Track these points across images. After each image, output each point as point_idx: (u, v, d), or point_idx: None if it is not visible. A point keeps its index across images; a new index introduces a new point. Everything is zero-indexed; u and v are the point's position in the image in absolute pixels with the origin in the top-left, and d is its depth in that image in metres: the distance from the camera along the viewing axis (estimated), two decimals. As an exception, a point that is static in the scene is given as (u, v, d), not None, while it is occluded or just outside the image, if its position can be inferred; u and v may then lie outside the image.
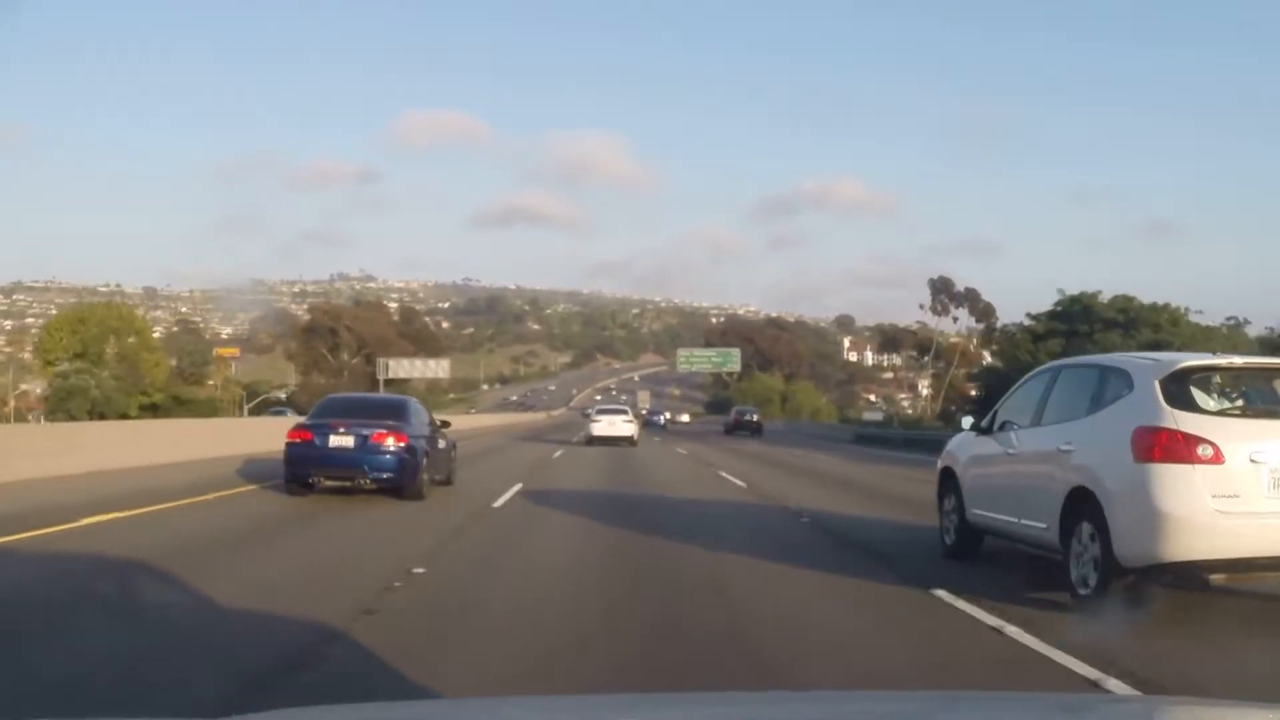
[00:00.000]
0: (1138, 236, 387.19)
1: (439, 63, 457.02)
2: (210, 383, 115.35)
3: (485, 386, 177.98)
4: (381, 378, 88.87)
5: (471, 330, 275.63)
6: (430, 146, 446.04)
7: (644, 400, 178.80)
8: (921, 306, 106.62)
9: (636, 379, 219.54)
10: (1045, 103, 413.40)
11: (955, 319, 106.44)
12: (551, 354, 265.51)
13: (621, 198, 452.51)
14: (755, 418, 61.20)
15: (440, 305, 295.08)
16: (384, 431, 14.12)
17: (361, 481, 14.11)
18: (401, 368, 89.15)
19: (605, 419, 36.49)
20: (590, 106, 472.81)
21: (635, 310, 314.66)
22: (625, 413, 38.12)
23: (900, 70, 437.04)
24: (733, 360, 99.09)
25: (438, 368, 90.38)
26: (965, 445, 9.99)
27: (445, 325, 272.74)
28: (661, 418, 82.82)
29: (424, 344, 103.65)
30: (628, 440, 35.39)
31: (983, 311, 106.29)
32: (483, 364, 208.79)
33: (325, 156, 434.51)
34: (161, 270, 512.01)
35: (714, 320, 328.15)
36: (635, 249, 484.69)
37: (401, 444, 14.13)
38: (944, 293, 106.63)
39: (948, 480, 10.22)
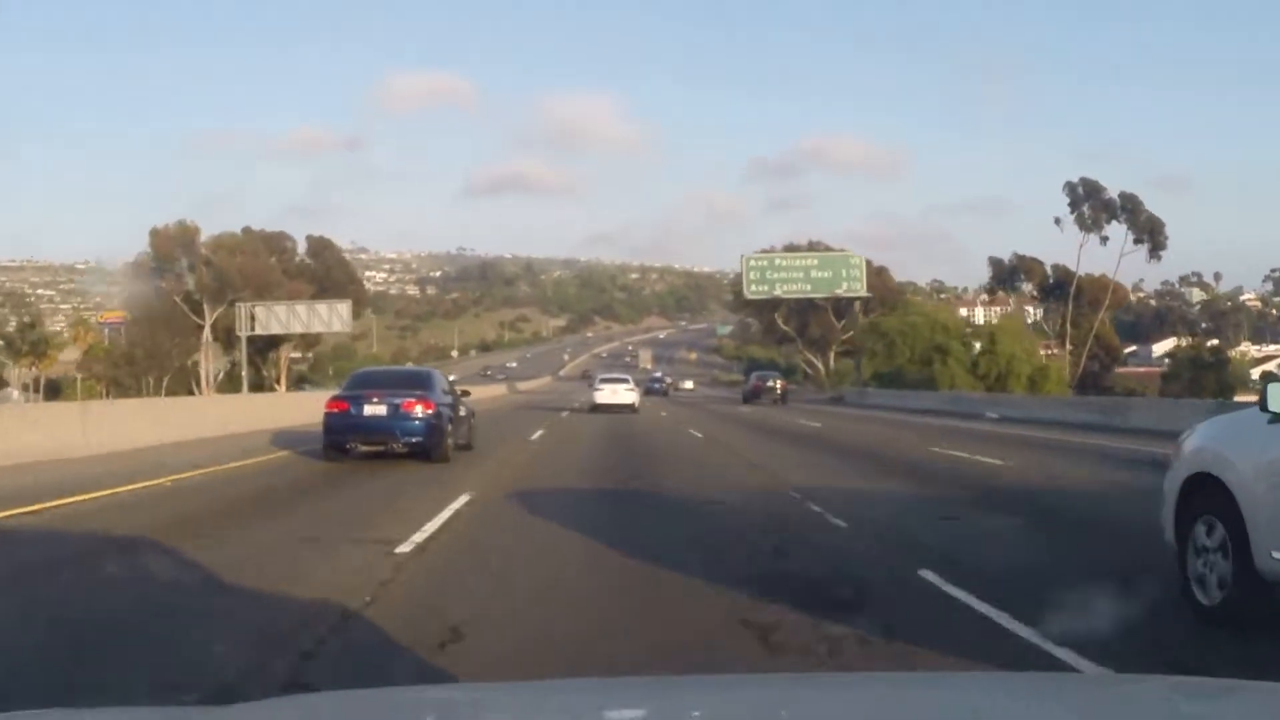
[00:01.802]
0: (1152, 192, 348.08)
1: (423, 22, 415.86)
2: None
3: (455, 354, 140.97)
4: (243, 333, 53.52)
5: (455, 295, 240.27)
6: (417, 112, 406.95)
7: (646, 360, 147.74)
8: (1058, 222, 70.71)
9: (641, 342, 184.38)
10: (1054, 60, 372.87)
11: (1106, 238, 70.46)
12: (544, 319, 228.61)
13: (618, 162, 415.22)
14: (777, 384, 52.57)
15: (432, 274, 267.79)
16: (413, 400, 14.56)
17: (394, 446, 14.51)
18: (275, 318, 53.75)
19: (608, 387, 36.88)
20: (584, 66, 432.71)
21: (635, 275, 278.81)
22: (627, 381, 38.52)
23: (902, 26, 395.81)
24: (853, 274, 56.70)
25: (331, 316, 54.81)
26: (1248, 440, 5.34)
27: (431, 291, 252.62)
28: (661, 384, 72.96)
29: (338, 287, 68.01)
30: (629, 408, 35.44)
31: (1146, 227, 70.41)
32: (458, 330, 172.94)
33: (310, 124, 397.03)
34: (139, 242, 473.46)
35: (724, 282, 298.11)
36: (633, 215, 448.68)
37: (429, 411, 14.58)
38: (1091, 199, 70.71)
39: (1202, 497, 5.58)
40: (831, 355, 73.20)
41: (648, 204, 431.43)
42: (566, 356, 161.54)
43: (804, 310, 70.07)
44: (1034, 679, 3.18)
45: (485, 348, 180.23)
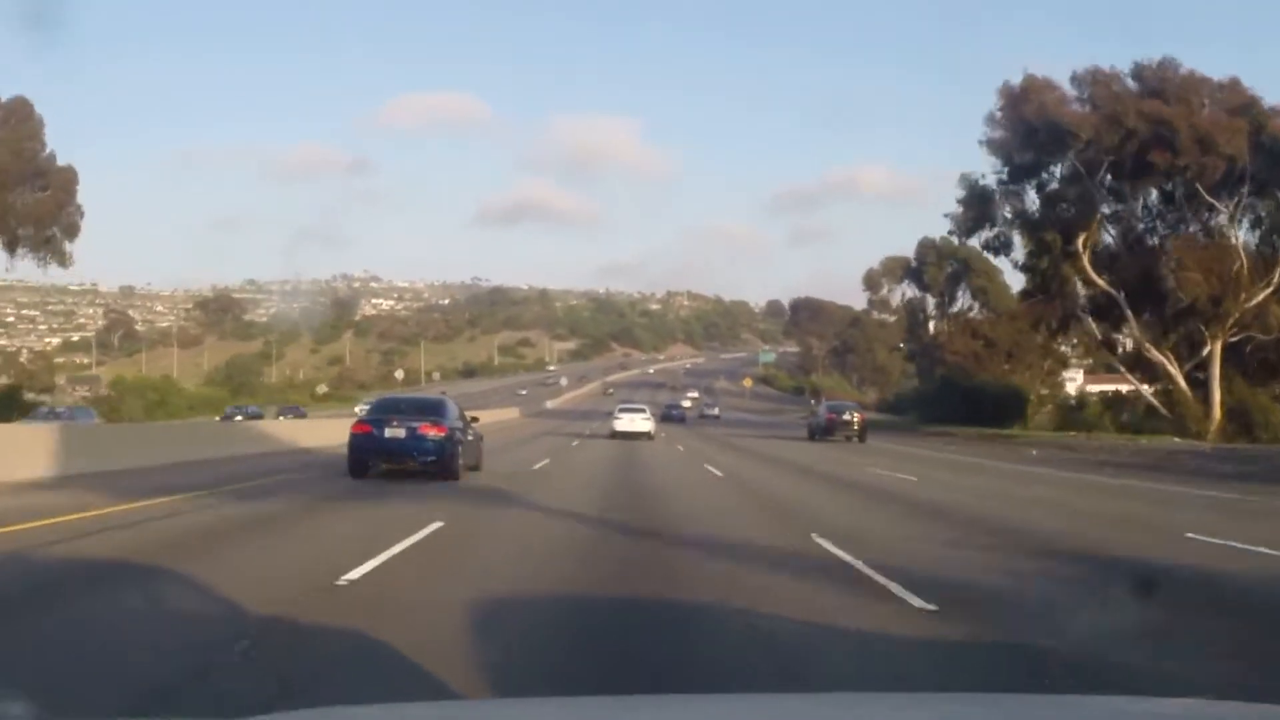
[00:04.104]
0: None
1: (438, 44, 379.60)
2: None
3: (398, 375, 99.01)
4: None
5: (447, 317, 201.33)
6: (429, 137, 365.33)
7: (669, 384, 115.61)
8: None
9: (671, 370, 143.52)
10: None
11: None
12: (550, 343, 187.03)
13: (638, 191, 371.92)
14: (854, 417, 38.64)
15: (441, 302, 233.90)
16: (428, 424, 15.66)
17: (411, 465, 15.65)
18: None
19: (626, 416, 37.92)
20: (605, 92, 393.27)
21: (656, 305, 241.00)
22: (644, 411, 39.39)
23: (923, 52, 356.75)
24: None
25: None
26: None
27: (435, 316, 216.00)
28: (679, 410, 62.04)
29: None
30: (646, 435, 36.17)
31: None
32: (424, 352, 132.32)
33: (316, 146, 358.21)
34: (154, 271, 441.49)
35: (755, 310, 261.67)
36: (653, 247, 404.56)
37: (442, 434, 15.63)
38: None
39: None
40: (1216, 349, 31.80)
41: (668, 235, 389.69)
42: (564, 382, 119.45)
43: (1143, 248, 29.10)
44: (1029, 701, 2.95)
45: (469, 373, 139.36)
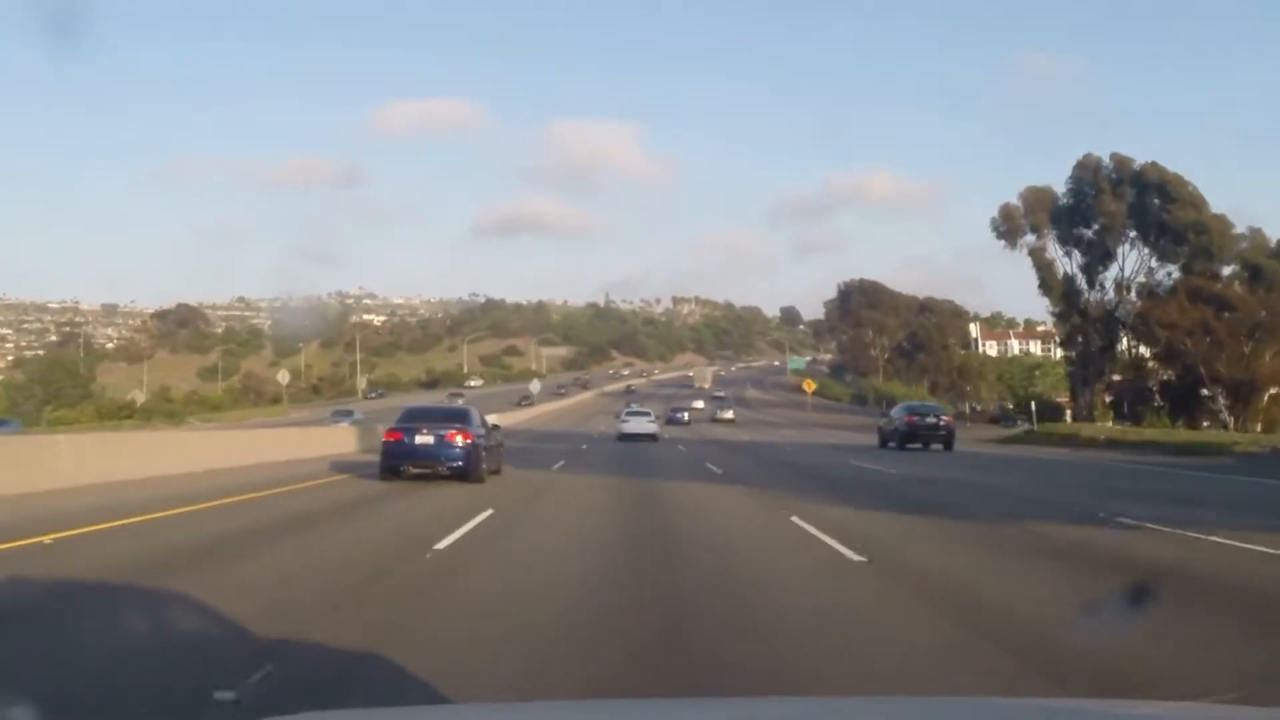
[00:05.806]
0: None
1: (432, 49, 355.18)
2: None
3: (282, 378, 71.25)
4: None
5: (425, 327, 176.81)
6: (427, 147, 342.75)
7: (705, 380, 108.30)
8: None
9: (687, 379, 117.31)
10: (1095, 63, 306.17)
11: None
12: (540, 349, 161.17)
13: (640, 204, 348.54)
14: (940, 420, 32.62)
15: (435, 316, 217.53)
16: (454, 431, 16.71)
17: (439, 469, 16.52)
18: None
19: (633, 420, 39.81)
20: (611, 99, 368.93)
21: (662, 316, 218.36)
22: (649, 414, 41.89)
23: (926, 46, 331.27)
24: None
25: None
26: None
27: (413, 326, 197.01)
28: (684, 414, 62.54)
29: None
30: (650, 437, 37.84)
31: None
32: (366, 361, 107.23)
33: (305, 159, 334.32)
34: (140, 289, 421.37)
35: (769, 318, 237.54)
36: (656, 260, 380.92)
37: (468, 441, 16.63)
38: None
39: None
40: None
41: (673, 245, 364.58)
42: (535, 387, 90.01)
43: None
44: (1030, 706, 2.89)
45: (430, 383, 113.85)
